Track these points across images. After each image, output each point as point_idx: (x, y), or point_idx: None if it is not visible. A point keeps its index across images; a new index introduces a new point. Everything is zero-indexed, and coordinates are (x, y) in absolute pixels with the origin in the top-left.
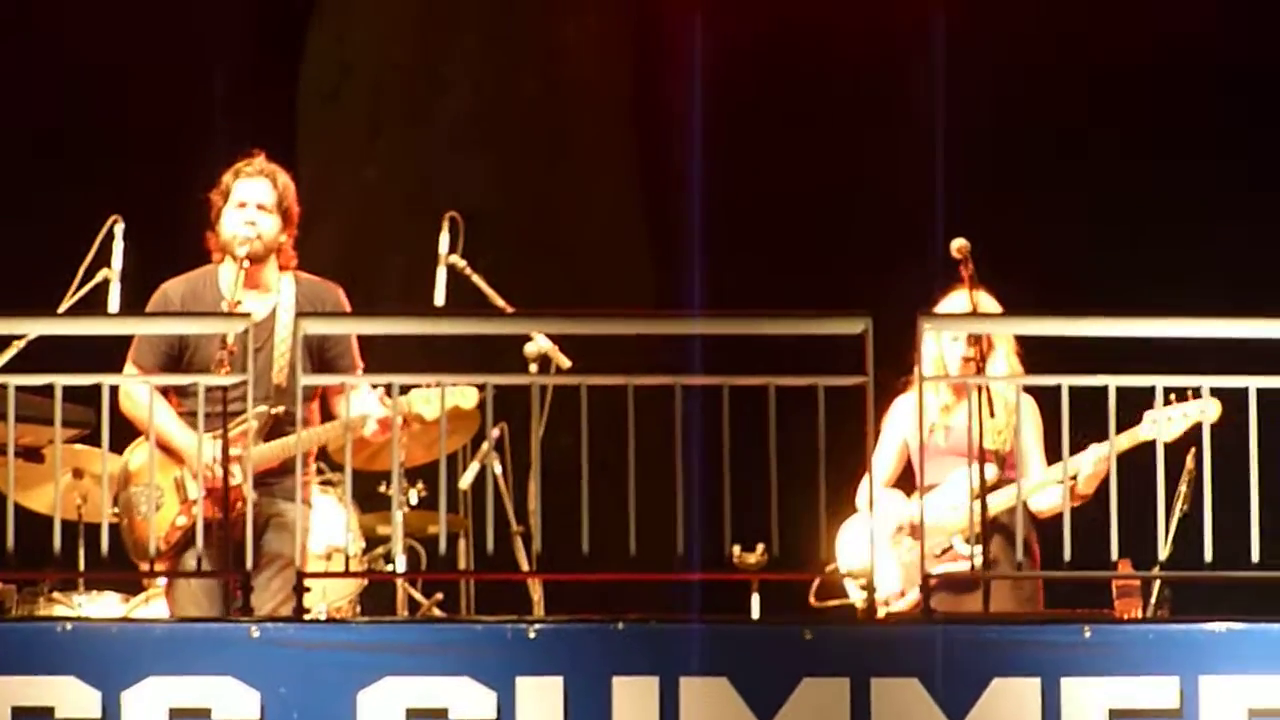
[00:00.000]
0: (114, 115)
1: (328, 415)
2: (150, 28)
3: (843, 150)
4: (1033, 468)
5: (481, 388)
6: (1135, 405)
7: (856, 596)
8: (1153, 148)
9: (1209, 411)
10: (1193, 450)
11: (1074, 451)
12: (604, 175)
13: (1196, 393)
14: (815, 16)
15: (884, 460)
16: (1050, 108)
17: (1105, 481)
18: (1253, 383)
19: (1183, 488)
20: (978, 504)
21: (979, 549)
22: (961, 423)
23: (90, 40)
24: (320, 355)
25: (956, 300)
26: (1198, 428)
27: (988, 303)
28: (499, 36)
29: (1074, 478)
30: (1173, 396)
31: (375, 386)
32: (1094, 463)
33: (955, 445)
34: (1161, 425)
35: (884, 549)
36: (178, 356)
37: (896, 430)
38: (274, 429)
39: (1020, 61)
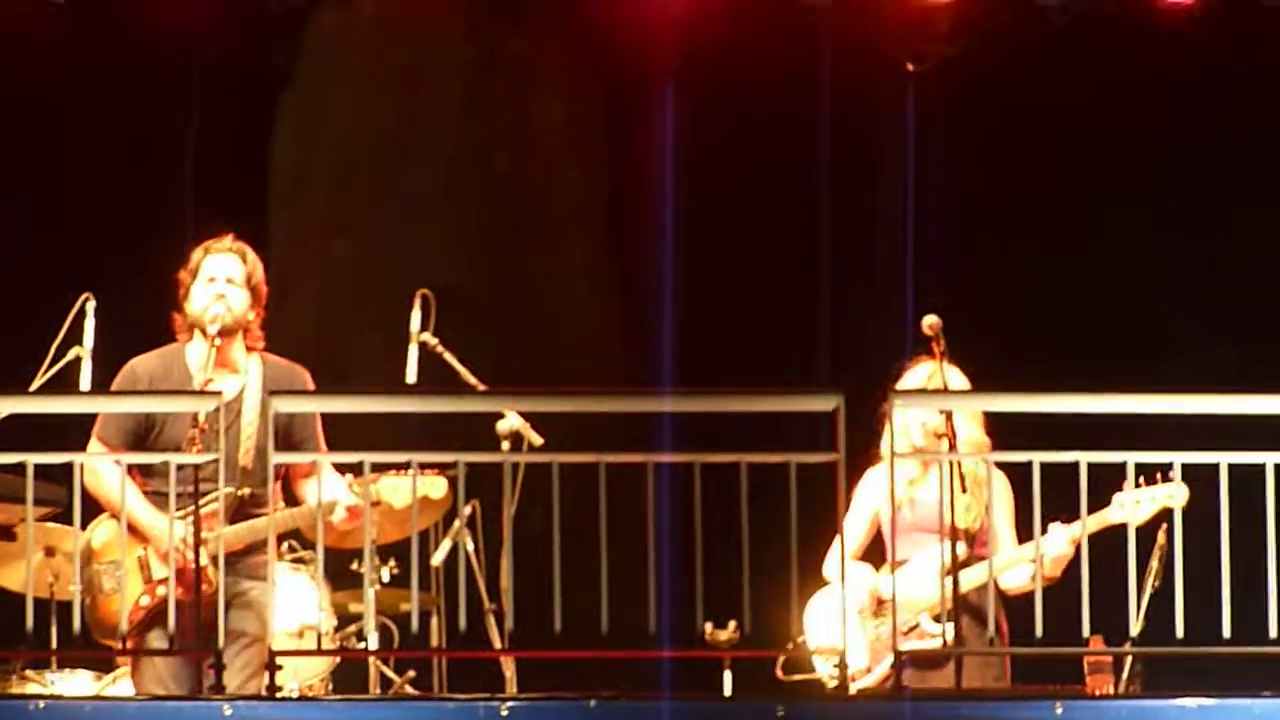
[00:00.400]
0: (85, 195)
1: (290, 499)
2: (122, 110)
3: (814, 225)
4: (1004, 546)
5: (452, 466)
6: (1105, 482)
7: (824, 671)
8: (1130, 220)
9: (1178, 496)
10: (1164, 526)
11: (1044, 528)
12: (575, 250)
13: (1166, 475)
14: (787, 94)
15: (853, 532)
16: (1023, 180)
17: (1073, 562)
18: (1224, 458)
19: (1154, 563)
20: (948, 581)
21: (948, 626)
22: (928, 497)
23: (62, 117)
24: (286, 438)
25: (922, 373)
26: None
27: (956, 379)
28: (470, 113)
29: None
30: (1142, 479)
31: (344, 473)
32: (1060, 544)
33: (921, 520)
34: (1129, 509)
35: (852, 624)
36: (143, 435)
37: (867, 502)
38: (238, 511)
39: (992, 133)
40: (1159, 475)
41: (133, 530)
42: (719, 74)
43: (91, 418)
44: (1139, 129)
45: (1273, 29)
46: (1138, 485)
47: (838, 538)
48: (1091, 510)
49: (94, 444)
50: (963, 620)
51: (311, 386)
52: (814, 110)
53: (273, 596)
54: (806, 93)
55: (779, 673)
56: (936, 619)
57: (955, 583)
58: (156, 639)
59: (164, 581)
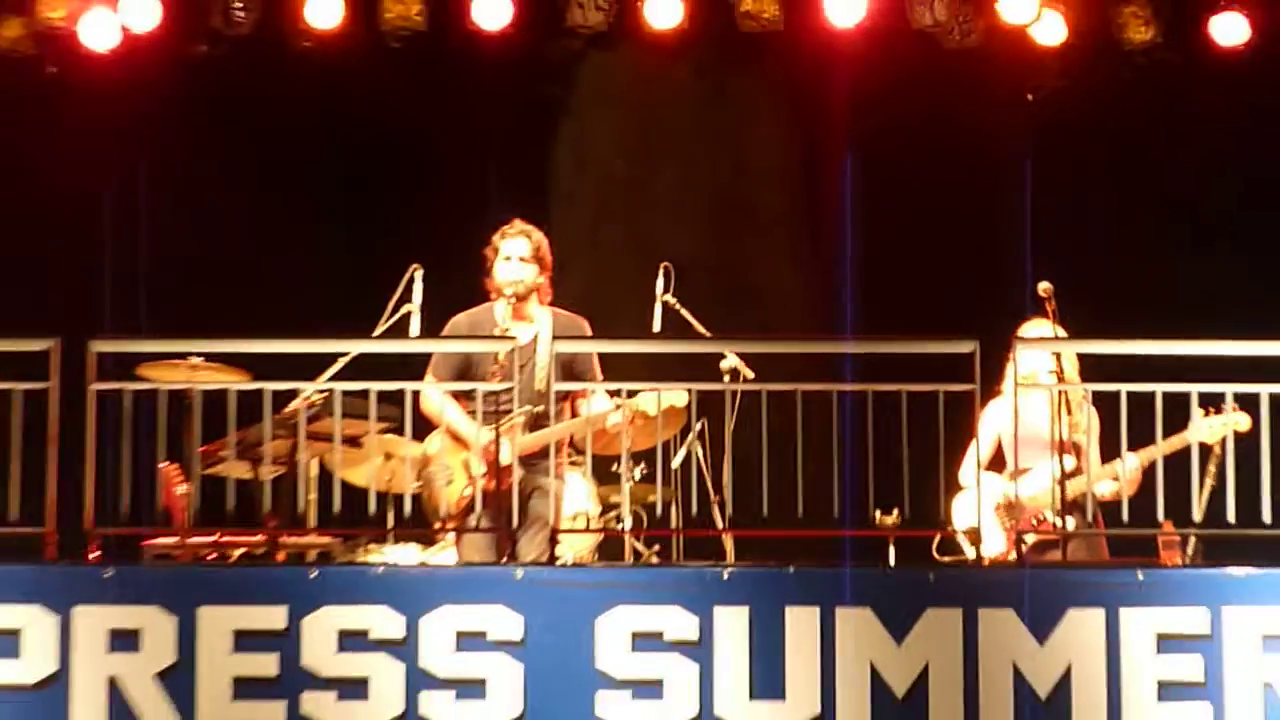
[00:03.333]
0: (413, 190)
1: (573, 415)
2: (444, 127)
3: (961, 217)
4: (1094, 463)
5: (690, 392)
6: (1175, 411)
7: (968, 550)
8: (1194, 216)
9: (1242, 422)
10: (1220, 442)
11: (1131, 448)
12: (779, 234)
13: (1220, 407)
14: (939, 115)
15: (983, 447)
16: (1116, 181)
17: (1148, 475)
18: (1264, 389)
19: (1211, 466)
20: (1060, 486)
21: (1059, 519)
22: (1034, 418)
23: (396, 135)
24: (570, 369)
25: (1034, 328)
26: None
27: (1062, 333)
28: (701, 133)
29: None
30: (1210, 408)
31: (612, 394)
32: (1135, 469)
33: (1026, 434)
34: (1206, 430)
35: (989, 518)
36: (463, 371)
37: (990, 427)
38: (534, 424)
39: (1093, 145)
40: (1221, 406)
41: (460, 439)
42: (888, 102)
43: (417, 357)
44: (1198, 145)
45: None
46: (1206, 413)
47: (970, 448)
48: (1170, 434)
49: (428, 377)
50: (1071, 516)
51: (589, 333)
52: (959, 128)
53: (563, 489)
54: (953, 115)
55: (935, 554)
56: (1055, 513)
57: (1063, 486)
58: (473, 521)
59: (481, 477)
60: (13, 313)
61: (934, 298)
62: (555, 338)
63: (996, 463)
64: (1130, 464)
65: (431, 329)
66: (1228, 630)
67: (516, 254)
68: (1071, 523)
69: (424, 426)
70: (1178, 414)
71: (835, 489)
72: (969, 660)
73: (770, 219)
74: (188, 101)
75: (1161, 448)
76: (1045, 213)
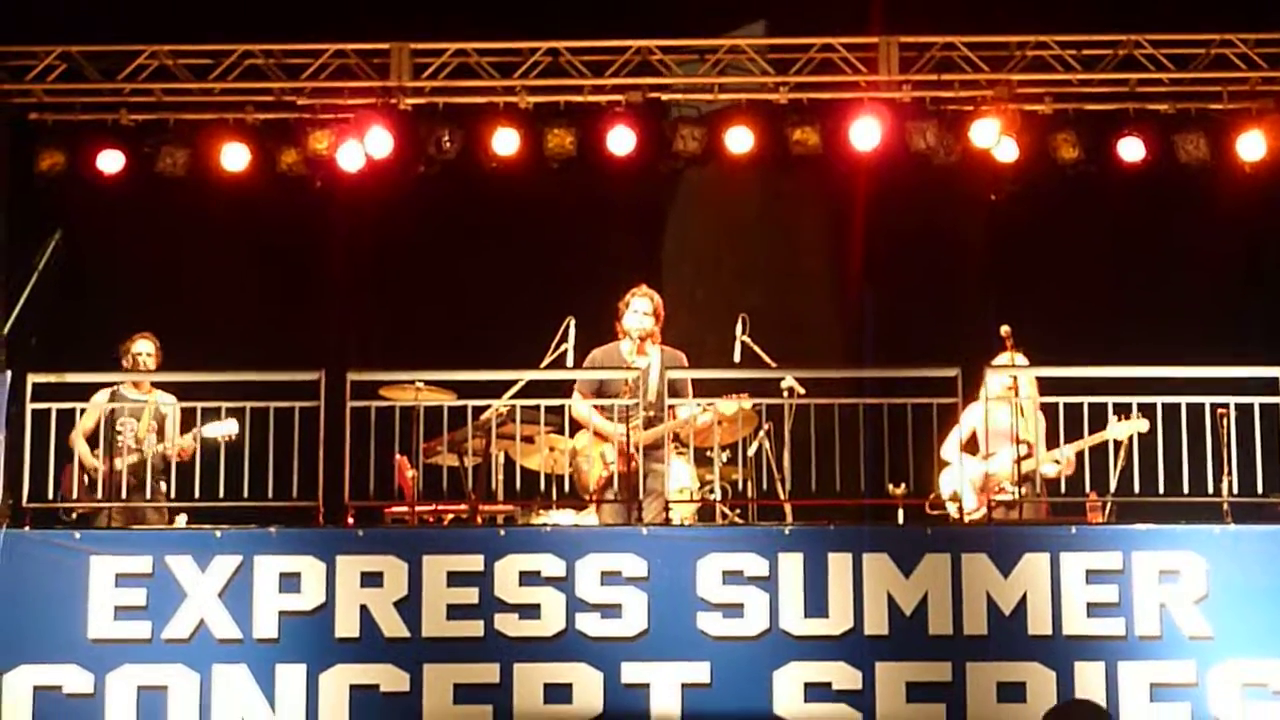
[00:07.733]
0: (572, 260)
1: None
2: (588, 228)
3: (944, 275)
4: (1040, 451)
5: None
6: (1096, 418)
7: (952, 509)
8: (1125, 263)
9: (1141, 426)
10: (1128, 438)
11: (1066, 442)
12: (821, 292)
13: (1129, 413)
14: (928, 207)
15: (964, 434)
16: (1057, 252)
17: (1078, 460)
18: (1159, 400)
19: (1122, 454)
20: (1016, 466)
21: (1017, 489)
22: (1000, 420)
23: (560, 228)
24: (673, 387)
25: (1002, 358)
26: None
27: (1020, 360)
28: (765, 219)
29: (1059, 460)
30: (1121, 415)
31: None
32: (1072, 453)
33: (994, 431)
34: (1117, 429)
35: (967, 485)
36: (599, 389)
37: (967, 422)
38: (648, 424)
39: (1037, 229)
40: (1129, 414)
41: (599, 435)
42: (895, 201)
43: (570, 380)
44: (1111, 229)
45: (1190, 183)
46: (1118, 418)
47: (951, 435)
48: (1093, 431)
49: (576, 394)
50: (1024, 487)
51: (687, 364)
52: (944, 220)
53: (669, 470)
54: (940, 210)
55: (927, 509)
56: (1013, 484)
57: (1020, 467)
58: (610, 494)
59: (613, 463)
60: (291, 351)
61: (928, 334)
62: (664, 367)
63: (970, 447)
64: (1066, 452)
65: (578, 361)
66: (1135, 567)
67: (641, 309)
68: (1023, 492)
69: (575, 427)
70: (1097, 419)
71: (861, 470)
72: (955, 589)
73: (814, 281)
74: (414, 203)
75: (1088, 441)
76: (1005, 277)
